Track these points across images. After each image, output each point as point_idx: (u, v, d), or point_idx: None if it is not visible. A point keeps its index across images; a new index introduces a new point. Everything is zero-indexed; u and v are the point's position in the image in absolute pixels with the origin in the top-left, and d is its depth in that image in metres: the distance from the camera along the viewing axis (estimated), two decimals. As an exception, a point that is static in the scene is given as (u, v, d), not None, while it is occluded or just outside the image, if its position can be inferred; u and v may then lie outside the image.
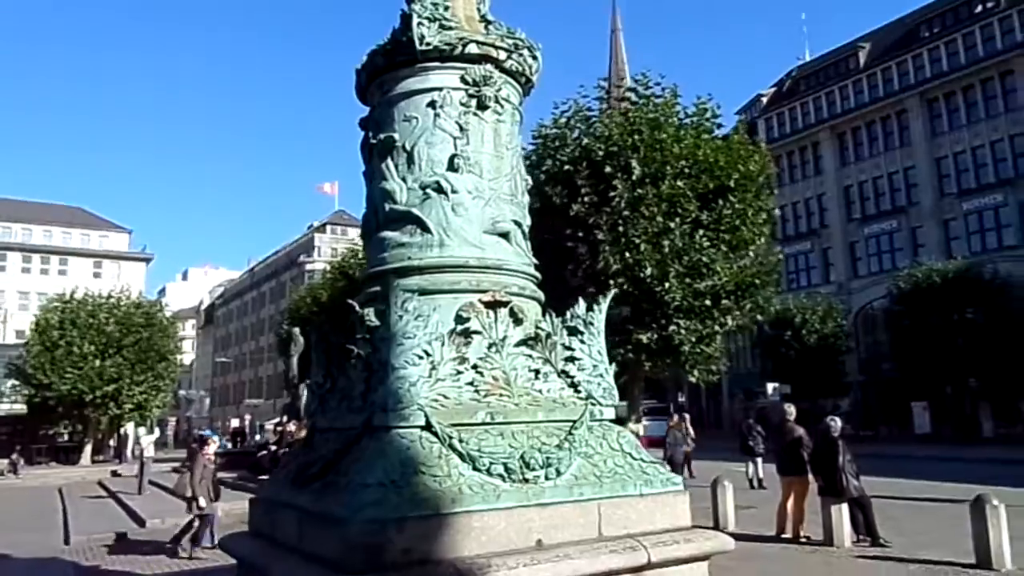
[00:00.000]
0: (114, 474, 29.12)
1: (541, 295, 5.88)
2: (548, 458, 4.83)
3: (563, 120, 16.90)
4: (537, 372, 5.35)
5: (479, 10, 6.18)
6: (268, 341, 71.59)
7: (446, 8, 5.80)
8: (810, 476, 9.41)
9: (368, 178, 5.96)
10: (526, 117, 6.42)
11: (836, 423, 9.03)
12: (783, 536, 9.96)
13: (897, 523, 10.77)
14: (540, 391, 5.30)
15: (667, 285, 14.78)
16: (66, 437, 43.73)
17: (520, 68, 6.00)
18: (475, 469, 4.64)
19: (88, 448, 39.77)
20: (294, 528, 5.00)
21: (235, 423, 51.05)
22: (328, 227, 75.98)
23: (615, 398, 5.58)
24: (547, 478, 4.80)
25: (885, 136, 42.70)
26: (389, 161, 5.66)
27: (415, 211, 5.47)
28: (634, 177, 15.29)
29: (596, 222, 15.27)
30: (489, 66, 5.75)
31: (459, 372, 5.04)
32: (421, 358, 4.85)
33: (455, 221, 5.46)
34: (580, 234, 15.70)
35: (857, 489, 8.65)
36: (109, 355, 35.66)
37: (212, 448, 12.48)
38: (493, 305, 5.28)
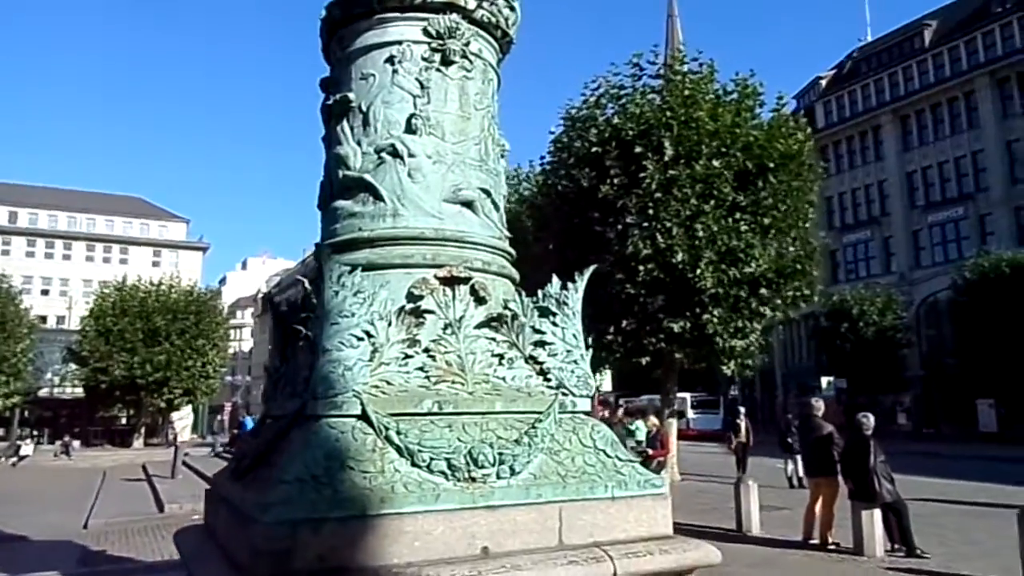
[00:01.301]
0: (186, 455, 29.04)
1: (514, 272, 5.29)
2: (501, 454, 4.25)
3: (593, 100, 16.15)
4: (501, 357, 4.77)
5: (455, -45, 5.59)
6: (320, 329, 72.31)
7: (411, -48, 5.23)
8: (840, 478, 8.59)
9: (326, 144, 5.45)
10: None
11: (868, 420, 8.18)
12: (810, 542, 9.14)
13: (943, 531, 9.84)
14: (503, 379, 4.72)
15: (699, 271, 13.95)
16: (123, 421, 45.03)
17: (493, 19, 5.39)
18: (414, 465, 4.09)
19: (142, 431, 40.77)
20: (224, 524, 4.56)
21: (288, 409, 51.65)
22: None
23: (591, 388, 4.97)
24: (499, 477, 4.22)
25: (952, 119, 40.42)
26: (345, 124, 5.15)
27: (368, 177, 4.94)
28: (666, 157, 14.48)
29: (625, 205, 14.53)
30: (455, 16, 5.16)
31: (407, 356, 4.50)
32: (360, 339, 4.32)
33: (411, 188, 4.91)
34: (609, 219, 14.99)
35: (891, 493, 7.81)
36: (158, 342, 36.40)
37: None
38: (451, 282, 4.72)
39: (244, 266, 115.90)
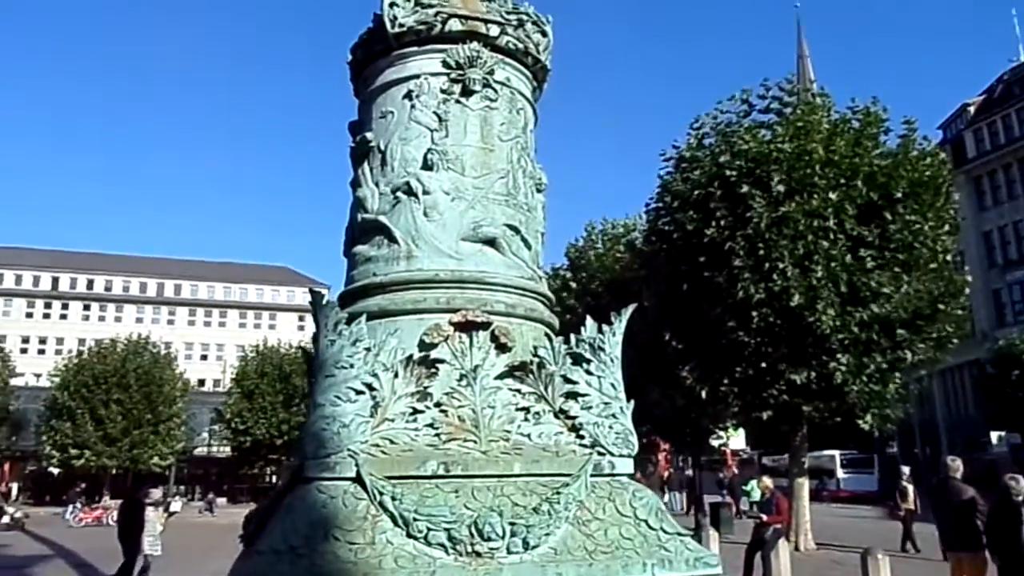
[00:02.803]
0: None
1: (547, 316, 4.74)
2: (514, 524, 3.68)
3: (696, 139, 15.39)
4: (527, 411, 4.23)
5: (482, -16, 5.29)
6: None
7: (430, -16, 4.97)
8: (987, 553, 7.18)
9: (352, 188, 5.21)
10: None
11: (1019, 483, 6.80)
12: (956, 631, 7.68)
13: None
14: (527, 435, 4.16)
15: (817, 314, 12.65)
16: (267, 479, 47.11)
17: (521, 45, 5.02)
18: (409, 536, 3.61)
19: (282, 489, 42.38)
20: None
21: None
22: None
23: (632, 446, 4.29)
24: (510, 551, 3.65)
25: None
26: (365, 165, 4.90)
27: (383, 219, 4.63)
28: (775, 193, 13.43)
29: (732, 247, 13.53)
30: (475, 44, 4.83)
31: (416, 411, 4.05)
32: (360, 393, 3.93)
33: (426, 228, 4.53)
34: (717, 262, 14.01)
35: (1053, 574, 6.39)
36: (295, 404, 37.93)
37: None
38: (467, 327, 4.26)
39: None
